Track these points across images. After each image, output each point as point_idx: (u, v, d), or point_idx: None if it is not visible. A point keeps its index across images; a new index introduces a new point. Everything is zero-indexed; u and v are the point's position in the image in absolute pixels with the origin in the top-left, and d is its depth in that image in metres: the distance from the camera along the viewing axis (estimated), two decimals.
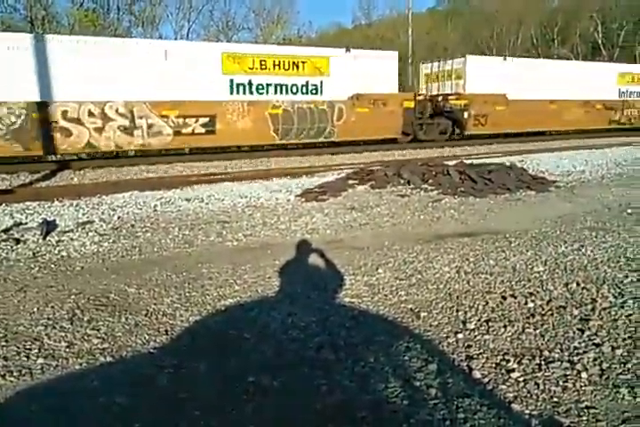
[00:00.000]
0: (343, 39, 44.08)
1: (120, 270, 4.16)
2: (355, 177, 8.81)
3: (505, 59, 18.87)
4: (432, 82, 19.46)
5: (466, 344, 2.77)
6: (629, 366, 2.50)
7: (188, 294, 3.59)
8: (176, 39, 28.35)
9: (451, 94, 18.22)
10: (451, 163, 9.20)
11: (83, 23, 24.82)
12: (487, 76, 17.95)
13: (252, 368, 2.54)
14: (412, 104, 16.57)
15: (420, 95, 18.25)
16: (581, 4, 46.18)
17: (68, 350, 2.78)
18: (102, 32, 23.46)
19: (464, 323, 3.04)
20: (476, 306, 3.30)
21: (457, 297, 3.46)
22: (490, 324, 3.02)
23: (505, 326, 2.97)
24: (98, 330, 3.03)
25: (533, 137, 19.20)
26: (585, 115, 20.53)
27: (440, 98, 18.35)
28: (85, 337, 2.93)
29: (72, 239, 5.10)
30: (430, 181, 8.16)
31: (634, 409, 2.15)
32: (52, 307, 3.38)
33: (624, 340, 2.78)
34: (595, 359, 2.57)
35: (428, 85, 19.76)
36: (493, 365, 2.54)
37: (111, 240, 5.09)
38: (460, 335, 2.88)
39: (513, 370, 2.48)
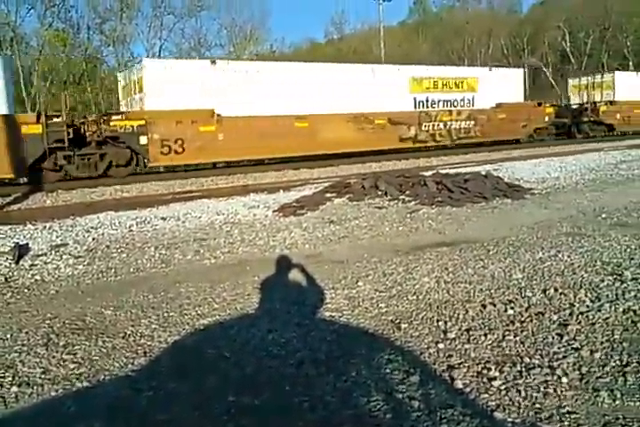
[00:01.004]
0: (316, 54, 44.54)
1: (96, 293, 4.09)
2: (332, 190, 8.83)
3: None
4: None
5: (447, 354, 2.76)
6: (608, 369, 2.52)
7: (165, 315, 3.54)
8: (148, 57, 28.29)
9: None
10: (427, 173, 9.29)
11: (52, 43, 24.70)
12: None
13: (232, 387, 2.50)
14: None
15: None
16: (548, 14, 47.41)
17: (43, 376, 2.71)
18: (72, 51, 23.34)
19: (445, 333, 3.04)
20: (456, 315, 3.30)
21: (437, 307, 3.46)
22: (470, 333, 3.02)
23: (485, 335, 2.98)
24: (74, 355, 2.96)
25: (507, 145, 19.43)
26: None
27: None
28: (61, 362, 2.86)
29: (46, 263, 5.01)
30: (407, 191, 8.21)
31: (613, 412, 2.16)
32: (27, 333, 3.30)
33: (602, 343, 2.80)
34: (574, 364, 2.58)
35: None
36: (475, 374, 2.53)
37: (86, 262, 5.01)
38: (440, 345, 2.87)
39: (494, 378, 2.48)
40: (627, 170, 10.79)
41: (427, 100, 17.95)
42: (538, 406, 2.24)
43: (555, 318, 3.18)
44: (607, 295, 3.51)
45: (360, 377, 2.54)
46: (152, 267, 4.81)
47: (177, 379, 2.61)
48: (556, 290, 3.65)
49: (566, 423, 2.11)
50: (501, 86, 19.23)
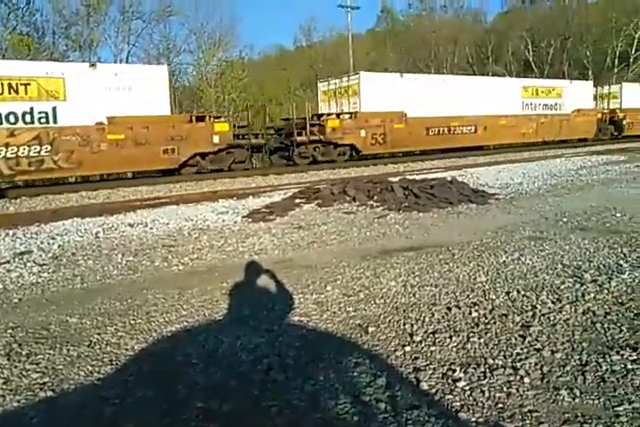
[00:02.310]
0: (285, 61, 44.63)
1: (61, 301, 4.02)
2: (301, 196, 8.87)
3: None
4: None
5: (413, 356, 2.81)
6: (568, 368, 2.60)
7: (132, 322, 3.51)
8: (115, 62, 27.95)
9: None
10: (394, 179, 9.40)
11: (17, 47, 24.16)
12: None
13: (200, 394, 2.50)
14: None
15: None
16: (512, 24, 48.53)
17: (4, 387, 2.65)
18: (37, 56, 22.88)
19: (411, 335, 3.09)
20: (422, 318, 3.36)
21: (404, 310, 3.51)
22: (436, 335, 3.07)
23: (451, 337, 3.04)
24: (37, 364, 2.91)
25: (474, 151, 19.84)
26: None
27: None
28: (24, 372, 2.80)
29: (8, 271, 4.90)
30: (375, 197, 8.30)
31: (573, 410, 2.24)
32: None
33: (563, 344, 2.89)
34: (536, 364, 2.66)
35: None
36: (440, 375, 2.59)
37: (51, 270, 4.92)
38: (407, 348, 2.92)
39: (459, 379, 2.53)
40: (587, 175, 11.11)
41: (531, 104, 22.87)
42: (501, 405, 2.30)
43: (517, 319, 3.27)
44: (568, 297, 3.62)
45: (328, 381, 2.57)
46: (119, 274, 4.75)
47: (144, 386, 2.59)
48: (518, 292, 3.75)
49: (528, 422, 2.17)
50: (578, 95, 24.38)
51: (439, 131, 19.36)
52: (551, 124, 23.21)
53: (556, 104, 23.71)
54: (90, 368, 2.83)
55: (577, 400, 2.32)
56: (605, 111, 26.18)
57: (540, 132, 22.92)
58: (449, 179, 9.23)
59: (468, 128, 20.21)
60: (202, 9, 38.60)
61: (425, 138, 19.00)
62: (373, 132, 17.69)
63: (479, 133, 20.56)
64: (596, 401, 2.31)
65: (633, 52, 44.55)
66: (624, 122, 26.00)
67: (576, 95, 24.25)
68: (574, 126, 24.06)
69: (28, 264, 5.12)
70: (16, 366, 2.87)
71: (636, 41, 44.18)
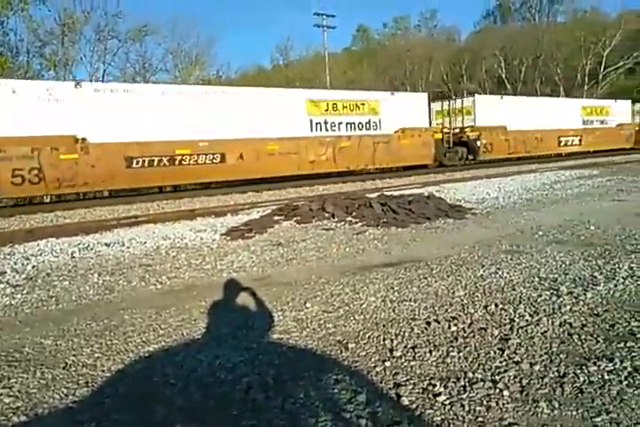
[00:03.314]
0: (263, 79, 44.94)
1: (35, 322, 3.94)
2: (280, 213, 8.87)
3: None
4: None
5: (393, 372, 2.81)
6: (547, 380, 2.62)
7: (109, 343, 3.44)
8: (91, 81, 27.82)
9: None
10: (373, 195, 9.46)
11: None
12: None
13: (178, 415, 2.46)
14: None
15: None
16: (485, 42, 49.67)
17: None
18: (11, 75, 22.68)
19: (391, 351, 3.09)
20: (402, 333, 3.36)
21: (383, 326, 3.51)
22: (416, 350, 3.08)
23: (430, 351, 3.04)
24: (10, 388, 2.84)
25: (452, 167, 20.12)
26: None
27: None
28: None
29: None
30: (354, 213, 8.33)
31: (552, 422, 2.25)
32: None
33: (541, 356, 2.91)
34: (515, 377, 2.67)
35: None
36: (421, 390, 2.58)
37: (25, 291, 4.82)
38: (387, 363, 2.91)
39: (439, 394, 2.53)
40: (561, 190, 11.31)
41: (587, 120, 26.73)
42: (481, 419, 2.31)
43: (496, 332, 3.29)
44: (545, 310, 3.66)
45: (308, 399, 2.55)
46: (95, 294, 4.68)
47: (121, 409, 2.54)
48: (496, 306, 3.78)
49: None
50: (621, 112, 28.28)
51: (528, 139, 23.62)
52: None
53: (605, 120, 27.65)
54: (65, 391, 2.77)
55: (556, 412, 2.33)
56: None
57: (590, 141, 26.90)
58: (426, 194, 9.32)
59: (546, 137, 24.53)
60: (178, 28, 38.87)
61: (522, 145, 23.45)
62: (485, 142, 21.91)
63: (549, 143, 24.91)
64: (575, 412, 2.33)
65: (602, 69, 45.88)
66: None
67: (620, 113, 27.94)
68: (616, 137, 27.77)
69: (1, 286, 5.01)
70: None
71: (604, 59, 45.51)
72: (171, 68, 37.60)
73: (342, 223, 7.88)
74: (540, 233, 6.41)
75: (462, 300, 3.97)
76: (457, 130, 22.01)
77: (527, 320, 3.48)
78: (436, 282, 4.48)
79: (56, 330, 3.74)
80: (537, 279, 4.42)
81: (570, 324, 3.38)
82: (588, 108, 27.14)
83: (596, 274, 4.48)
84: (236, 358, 3.09)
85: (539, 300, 3.88)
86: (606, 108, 27.88)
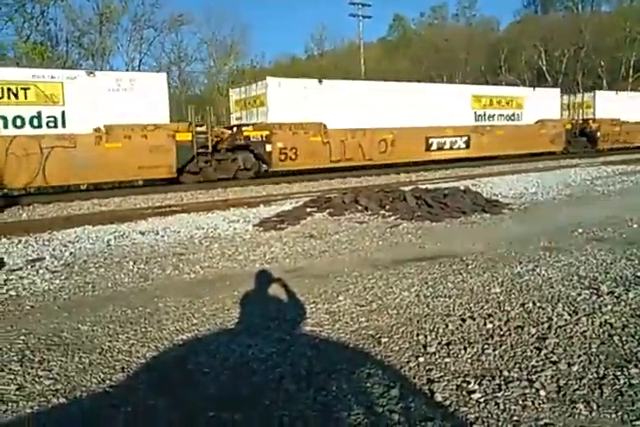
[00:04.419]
0: (298, 69, 44.89)
1: (72, 308, 4.02)
2: (312, 205, 8.85)
3: None
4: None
5: (427, 368, 2.77)
6: (585, 381, 2.55)
7: (144, 330, 3.50)
8: (127, 70, 28.27)
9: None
10: (407, 188, 9.37)
11: (30, 55, 24.53)
12: None
13: (212, 403, 2.48)
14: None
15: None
16: (525, 33, 48.46)
17: (18, 393, 2.65)
18: (51, 64, 23.19)
19: (425, 347, 3.05)
20: (436, 329, 3.32)
21: (417, 321, 3.48)
22: (450, 346, 3.03)
23: (465, 348, 3.00)
24: (50, 371, 2.91)
25: (486, 161, 19.76)
26: None
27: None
28: (37, 379, 2.80)
29: (21, 277, 4.92)
30: (387, 206, 8.26)
31: (590, 424, 2.19)
32: (0, 349, 3.22)
33: (579, 356, 2.84)
34: (552, 377, 2.61)
35: None
36: (454, 387, 2.55)
37: (63, 277, 4.94)
38: (421, 359, 2.88)
39: (474, 391, 2.49)
40: (602, 186, 11.01)
41: None
42: (516, 418, 2.26)
43: (533, 331, 3.22)
44: (584, 309, 3.57)
45: (340, 391, 2.54)
46: (130, 282, 4.76)
47: (156, 395, 2.58)
48: (534, 304, 3.69)
49: None
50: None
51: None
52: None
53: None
54: (102, 376, 2.82)
55: (594, 414, 2.27)
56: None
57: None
58: (462, 188, 9.17)
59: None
60: (213, 18, 39.11)
61: (634, 135, 24.37)
62: (603, 132, 23.15)
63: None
64: (614, 415, 2.26)
65: None
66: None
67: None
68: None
69: (40, 271, 5.14)
70: (29, 373, 2.88)
71: None
72: (206, 57, 37.90)
73: (375, 216, 7.82)
74: (580, 230, 6.24)
75: (498, 297, 3.90)
76: (580, 121, 23.63)
77: (566, 320, 3.39)
78: (471, 278, 4.41)
79: (92, 316, 3.81)
80: (576, 278, 4.31)
81: (610, 324, 3.28)
82: None
83: (638, 274, 4.34)
84: (269, 348, 3.10)
85: (578, 299, 3.78)
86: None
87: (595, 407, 2.32)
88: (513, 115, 21.40)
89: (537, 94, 22.19)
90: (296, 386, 2.62)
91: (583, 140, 23.66)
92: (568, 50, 46.10)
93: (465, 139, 19.62)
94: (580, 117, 23.70)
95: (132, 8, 32.08)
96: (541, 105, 21.77)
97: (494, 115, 20.80)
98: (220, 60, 37.37)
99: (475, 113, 20.20)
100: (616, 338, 3.06)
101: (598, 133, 23.61)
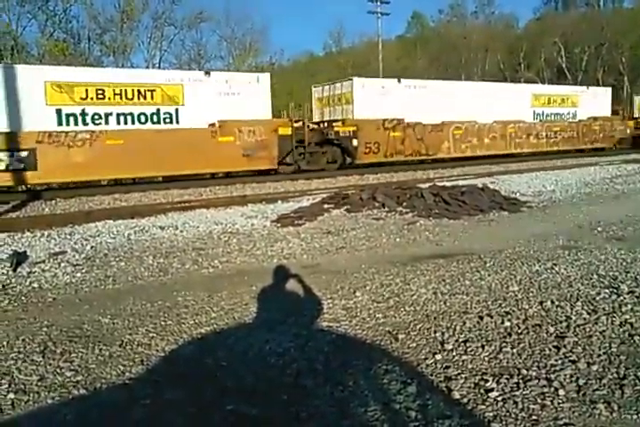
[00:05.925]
0: (316, 66, 44.84)
1: (93, 301, 4.08)
2: (330, 201, 8.86)
3: None
4: None
5: (444, 365, 2.77)
6: (605, 381, 2.53)
7: (163, 323, 3.54)
8: (147, 68, 28.51)
9: None
10: (424, 185, 9.33)
11: (53, 53, 24.84)
12: None
13: (230, 396, 2.50)
14: None
15: None
16: (545, 30, 47.78)
17: (40, 383, 2.70)
18: (73, 61, 23.46)
19: (442, 344, 3.05)
20: (453, 327, 3.31)
21: (434, 318, 3.47)
22: (467, 344, 3.02)
23: (482, 346, 2.99)
24: (71, 362, 2.96)
25: (503, 158, 19.58)
26: None
27: None
28: (58, 370, 2.85)
29: (44, 270, 5.00)
30: (405, 203, 8.24)
31: (611, 424, 2.17)
32: (23, 340, 3.29)
33: (599, 356, 2.81)
34: (571, 376, 2.59)
35: None
36: (472, 385, 2.54)
37: (84, 270, 5.01)
38: (438, 356, 2.88)
39: (492, 390, 2.48)
40: (622, 184, 10.86)
41: None
42: (535, 417, 2.25)
43: (552, 330, 3.20)
44: (604, 308, 3.53)
45: (358, 387, 2.55)
46: (150, 275, 4.81)
47: (174, 388, 2.61)
48: (552, 302, 3.67)
49: None
50: None
51: None
52: None
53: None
54: (121, 368, 2.86)
55: (615, 415, 2.25)
56: None
57: None
58: (480, 186, 9.11)
59: None
60: (233, 15, 39.18)
61: None
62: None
63: None
64: (635, 416, 2.24)
65: None
66: None
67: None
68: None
69: (62, 264, 5.22)
70: (50, 364, 2.93)
71: None
72: (225, 55, 38.03)
73: (393, 213, 7.81)
74: (600, 229, 6.17)
75: (516, 295, 3.88)
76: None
77: (585, 318, 3.36)
78: (489, 276, 4.39)
79: (113, 309, 3.87)
80: (596, 276, 4.26)
81: (631, 324, 3.25)
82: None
83: None
84: (286, 343, 3.12)
85: (597, 298, 3.75)
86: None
87: (615, 408, 2.29)
88: (568, 113, 22.77)
89: (590, 93, 23.68)
90: (313, 381, 2.64)
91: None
92: (589, 47, 45.36)
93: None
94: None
95: (153, 5, 32.31)
96: (593, 103, 23.23)
97: (551, 113, 22.12)
98: (239, 57, 37.48)
99: (534, 111, 21.51)
100: (637, 338, 3.03)
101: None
